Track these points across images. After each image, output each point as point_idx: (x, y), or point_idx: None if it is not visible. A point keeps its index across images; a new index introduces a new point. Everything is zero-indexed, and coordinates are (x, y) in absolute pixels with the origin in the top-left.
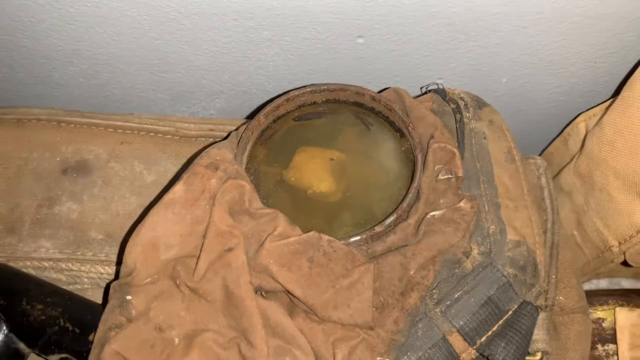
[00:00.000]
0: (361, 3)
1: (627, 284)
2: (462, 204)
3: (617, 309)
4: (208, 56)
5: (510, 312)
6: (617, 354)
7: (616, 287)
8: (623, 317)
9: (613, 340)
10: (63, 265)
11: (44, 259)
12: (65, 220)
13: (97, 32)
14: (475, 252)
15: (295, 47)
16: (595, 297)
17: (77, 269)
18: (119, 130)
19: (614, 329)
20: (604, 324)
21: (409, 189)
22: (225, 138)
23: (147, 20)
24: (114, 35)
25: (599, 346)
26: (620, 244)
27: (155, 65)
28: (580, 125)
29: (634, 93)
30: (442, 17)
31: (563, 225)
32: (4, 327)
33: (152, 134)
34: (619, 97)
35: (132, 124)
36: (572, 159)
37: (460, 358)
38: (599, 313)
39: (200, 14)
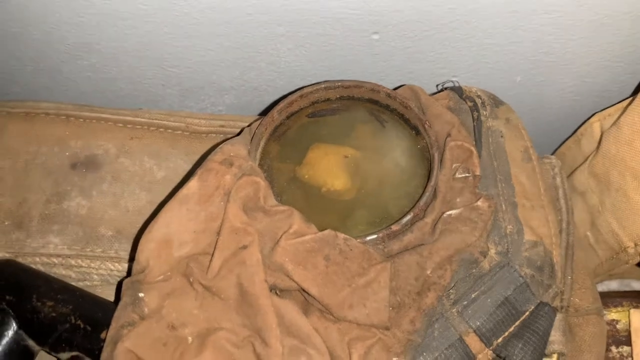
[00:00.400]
0: (374, 2)
1: (638, 285)
2: (479, 202)
3: (632, 310)
4: (220, 51)
5: (527, 313)
6: (631, 356)
7: (627, 288)
8: (638, 319)
9: (628, 342)
10: (72, 262)
11: (52, 255)
12: (74, 216)
13: (108, 26)
14: (492, 251)
15: (309, 43)
16: (609, 299)
17: (86, 265)
18: (129, 126)
19: (629, 331)
20: (618, 326)
21: (425, 187)
22: (238, 134)
23: (160, 14)
24: (125, 29)
25: (613, 348)
26: (636, 245)
27: (165, 59)
28: (595, 125)
29: None
30: (459, 14)
31: (577, 226)
32: (14, 324)
33: (162, 129)
34: (638, 96)
35: (142, 119)
36: (586, 159)
37: (477, 359)
38: (613, 315)
39: (214, 8)
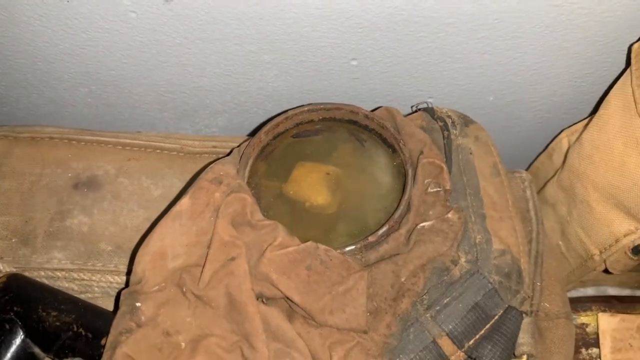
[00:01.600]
0: (354, 29)
1: (613, 291)
2: (450, 215)
3: (600, 314)
4: (211, 78)
5: (496, 317)
6: (599, 357)
7: (603, 294)
8: (605, 322)
9: (596, 344)
10: (75, 275)
11: (56, 269)
12: (77, 233)
13: (107, 55)
14: (462, 260)
15: (293, 69)
16: (580, 304)
17: (88, 278)
18: (127, 148)
19: (597, 334)
20: (587, 329)
21: (400, 201)
22: (228, 154)
23: (155, 45)
24: (123, 59)
25: (583, 350)
26: (601, 252)
27: (161, 86)
28: (564, 140)
29: (609, 111)
30: (430, 41)
31: (549, 235)
32: (21, 333)
33: (158, 150)
34: (596, 114)
35: (140, 142)
36: (555, 173)
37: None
38: (583, 319)
39: (204, 39)
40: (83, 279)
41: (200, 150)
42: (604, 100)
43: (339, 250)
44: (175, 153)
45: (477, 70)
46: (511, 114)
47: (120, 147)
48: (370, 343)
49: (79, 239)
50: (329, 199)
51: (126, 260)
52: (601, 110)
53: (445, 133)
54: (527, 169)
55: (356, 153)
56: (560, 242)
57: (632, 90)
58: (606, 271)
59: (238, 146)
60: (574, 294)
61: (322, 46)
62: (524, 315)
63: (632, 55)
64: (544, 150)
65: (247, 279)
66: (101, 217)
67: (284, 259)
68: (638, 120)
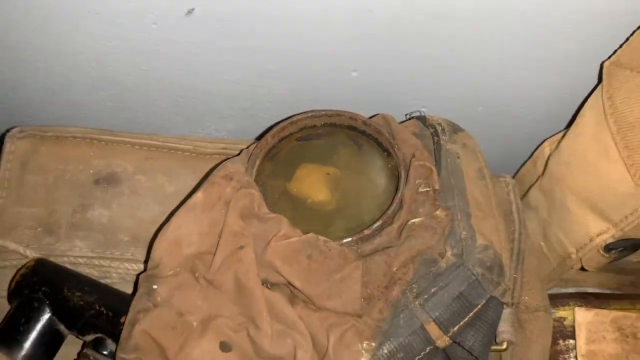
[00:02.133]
0: (355, 43)
1: (592, 291)
2: (438, 212)
3: (577, 309)
4: (222, 85)
5: (479, 306)
6: (575, 348)
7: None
8: (581, 316)
9: (572, 336)
10: (95, 262)
11: (78, 256)
12: (97, 224)
13: (128, 62)
14: (449, 253)
15: (298, 78)
16: (558, 299)
17: (107, 265)
18: (145, 148)
19: (574, 327)
20: (565, 322)
21: (393, 199)
22: (238, 155)
23: (173, 54)
24: (143, 65)
25: (561, 341)
26: (577, 251)
27: (176, 92)
28: (546, 149)
29: (584, 121)
30: (424, 55)
31: (531, 237)
32: (48, 311)
33: (173, 151)
34: (573, 124)
35: (157, 142)
36: (537, 179)
37: (436, 344)
38: (561, 313)
39: (217, 49)
40: (102, 266)
41: (211, 151)
42: (580, 112)
43: (337, 242)
44: (188, 154)
45: (467, 83)
46: (498, 124)
47: (138, 147)
48: (364, 326)
49: (99, 230)
50: (329, 196)
51: (142, 250)
52: (577, 120)
53: (436, 139)
54: (514, 176)
55: (354, 156)
56: (542, 243)
57: (603, 103)
58: (582, 269)
59: (247, 148)
60: (555, 291)
61: (326, 58)
62: (504, 306)
63: (604, 72)
64: (529, 158)
65: (254, 266)
66: (120, 210)
67: (287, 249)
68: (607, 130)
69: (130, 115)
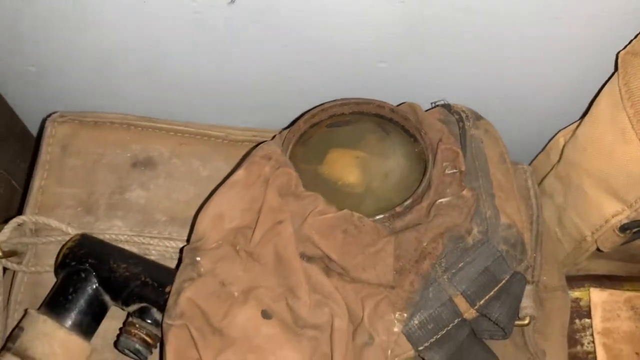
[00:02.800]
0: (384, 35)
1: None
2: (464, 192)
3: (592, 289)
4: (255, 75)
5: (504, 281)
6: (591, 327)
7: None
8: (596, 296)
9: (588, 315)
10: (135, 239)
11: (118, 234)
12: (135, 205)
13: (168, 52)
14: (475, 231)
15: (329, 70)
16: (574, 281)
17: (146, 242)
18: (179, 134)
19: (589, 306)
20: (581, 303)
21: (422, 179)
22: (272, 139)
23: (211, 44)
24: (183, 56)
25: (577, 320)
26: (592, 233)
27: (210, 81)
28: (560, 140)
29: (600, 108)
30: (448, 49)
31: (546, 223)
32: (95, 281)
33: (206, 137)
34: (589, 112)
35: (190, 129)
36: (552, 167)
37: (464, 316)
38: (577, 294)
39: (255, 40)
40: (142, 243)
41: (242, 138)
42: (595, 100)
43: (370, 219)
44: (220, 140)
45: (487, 75)
46: (515, 115)
47: (172, 133)
48: (396, 297)
49: (136, 210)
50: (359, 178)
51: (179, 229)
52: (593, 108)
53: (460, 124)
54: None
55: (382, 142)
56: (557, 229)
57: (619, 89)
58: (598, 250)
59: (279, 133)
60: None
61: (357, 49)
62: (526, 279)
63: (619, 61)
64: (542, 150)
65: (292, 239)
66: (157, 192)
67: (324, 224)
68: (624, 113)
69: (162, 105)
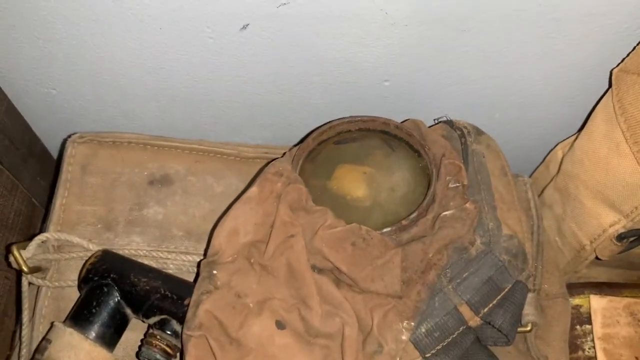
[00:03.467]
0: (388, 57)
1: None
2: (467, 205)
3: (592, 296)
4: (265, 95)
5: (506, 289)
6: (592, 332)
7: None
8: (596, 302)
9: (589, 321)
10: (154, 254)
11: (137, 249)
12: (153, 221)
13: (181, 74)
14: (478, 242)
15: (336, 88)
16: (574, 289)
17: (164, 257)
18: (194, 152)
19: (589, 313)
20: (581, 309)
21: (426, 194)
22: (282, 156)
23: (223, 66)
24: (195, 77)
25: (578, 326)
26: (591, 242)
27: (221, 101)
28: (559, 152)
29: (596, 122)
30: (450, 67)
31: (546, 232)
32: (117, 295)
33: (219, 155)
34: (585, 126)
35: (204, 147)
36: (552, 179)
37: (469, 324)
38: (577, 301)
39: (265, 61)
40: (160, 257)
41: (253, 155)
42: (591, 115)
43: (378, 232)
44: (232, 158)
45: (486, 92)
46: (513, 129)
47: (187, 152)
48: (404, 307)
49: (154, 226)
50: (366, 192)
51: (195, 243)
52: (589, 123)
53: (463, 140)
54: None
55: (388, 157)
56: (557, 238)
57: (613, 105)
58: (597, 259)
59: (289, 150)
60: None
61: (363, 69)
62: (528, 288)
63: (613, 78)
64: (541, 162)
65: (304, 252)
66: (173, 208)
67: (334, 237)
68: (618, 128)
69: (175, 124)
